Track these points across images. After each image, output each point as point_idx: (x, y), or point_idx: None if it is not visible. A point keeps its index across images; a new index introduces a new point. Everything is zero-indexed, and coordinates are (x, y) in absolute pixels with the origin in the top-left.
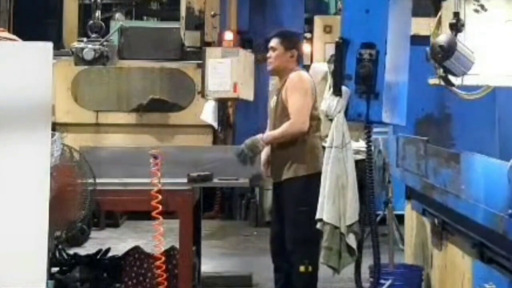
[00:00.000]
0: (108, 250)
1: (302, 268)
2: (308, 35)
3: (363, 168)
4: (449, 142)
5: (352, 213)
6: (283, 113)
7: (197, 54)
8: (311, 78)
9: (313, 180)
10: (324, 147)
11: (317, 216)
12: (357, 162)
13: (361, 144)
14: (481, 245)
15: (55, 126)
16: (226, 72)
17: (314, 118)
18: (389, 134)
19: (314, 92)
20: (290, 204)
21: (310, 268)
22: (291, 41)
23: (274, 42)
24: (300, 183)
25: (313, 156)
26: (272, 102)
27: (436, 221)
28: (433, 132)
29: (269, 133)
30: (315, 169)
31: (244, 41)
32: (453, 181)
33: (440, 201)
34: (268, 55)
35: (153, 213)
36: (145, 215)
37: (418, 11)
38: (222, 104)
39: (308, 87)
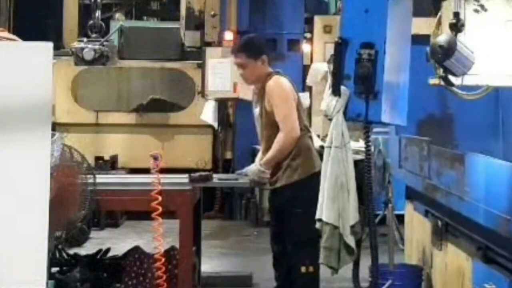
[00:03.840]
0: (108, 250)
1: (303, 269)
2: (308, 35)
3: (362, 168)
4: (452, 142)
5: (354, 213)
6: (269, 122)
7: (197, 54)
8: (288, 81)
9: (308, 182)
10: (322, 147)
11: (317, 216)
12: (356, 162)
13: (361, 144)
14: (482, 245)
15: (55, 126)
16: (226, 72)
17: (301, 121)
18: (391, 134)
19: (295, 94)
20: (286, 208)
21: (311, 268)
22: (256, 49)
23: (241, 59)
24: (294, 188)
25: (305, 159)
26: (256, 110)
27: (439, 222)
28: (436, 133)
29: (267, 157)
30: (309, 171)
31: None
32: (457, 182)
33: (443, 202)
34: (240, 72)
35: (153, 215)
36: (145, 215)
37: (418, 11)
38: (222, 104)
39: (288, 91)
